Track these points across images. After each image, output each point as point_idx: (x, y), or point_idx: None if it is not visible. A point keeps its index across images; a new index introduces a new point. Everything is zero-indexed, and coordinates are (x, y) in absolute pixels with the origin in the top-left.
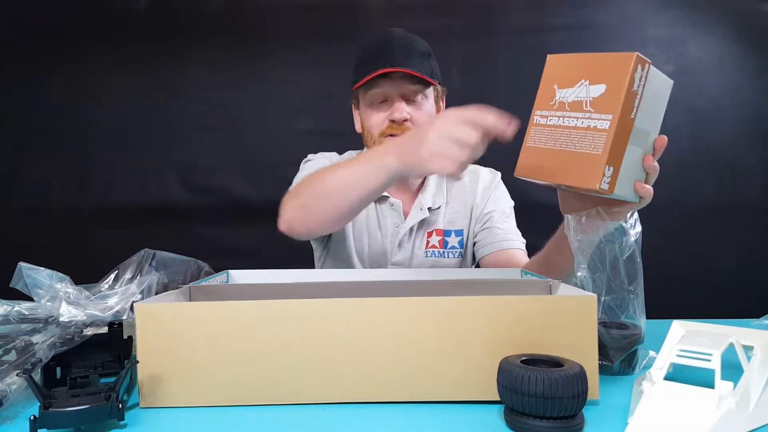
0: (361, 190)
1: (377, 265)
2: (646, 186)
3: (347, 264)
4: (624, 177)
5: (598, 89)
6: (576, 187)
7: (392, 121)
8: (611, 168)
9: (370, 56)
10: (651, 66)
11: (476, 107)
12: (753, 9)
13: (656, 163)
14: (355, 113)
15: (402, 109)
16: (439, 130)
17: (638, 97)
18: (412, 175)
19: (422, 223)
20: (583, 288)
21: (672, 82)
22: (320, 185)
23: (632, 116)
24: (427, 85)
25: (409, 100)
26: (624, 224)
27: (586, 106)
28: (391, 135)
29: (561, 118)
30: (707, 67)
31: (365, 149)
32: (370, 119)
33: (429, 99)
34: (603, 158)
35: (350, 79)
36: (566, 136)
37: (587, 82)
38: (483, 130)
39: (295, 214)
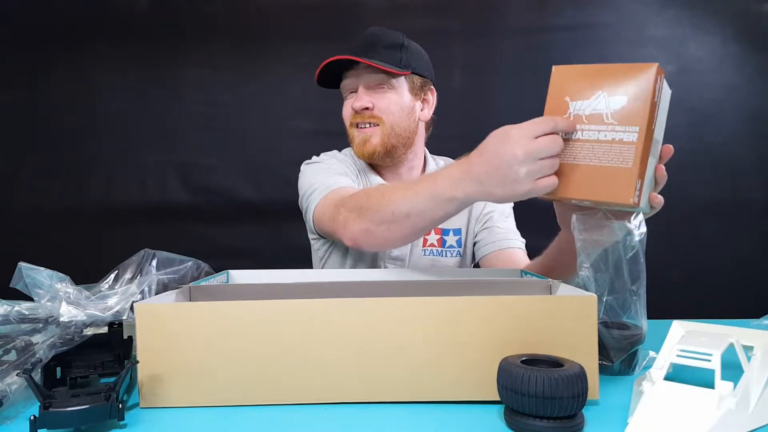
0: (433, 217)
1: (375, 258)
2: (659, 196)
3: (346, 259)
4: (645, 189)
5: (619, 101)
6: (605, 202)
7: (354, 110)
8: (640, 181)
9: (341, 51)
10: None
11: (538, 118)
12: (753, 9)
13: (665, 172)
14: None
15: (361, 98)
16: (525, 158)
17: (657, 107)
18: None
19: None
20: (585, 288)
21: (671, 91)
22: (387, 210)
23: (653, 127)
24: (392, 74)
25: (372, 89)
26: (628, 224)
27: (608, 119)
28: (357, 125)
29: (580, 132)
30: (707, 67)
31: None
32: (343, 110)
33: (398, 90)
34: (635, 172)
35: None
36: (588, 149)
37: (605, 93)
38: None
39: (363, 235)
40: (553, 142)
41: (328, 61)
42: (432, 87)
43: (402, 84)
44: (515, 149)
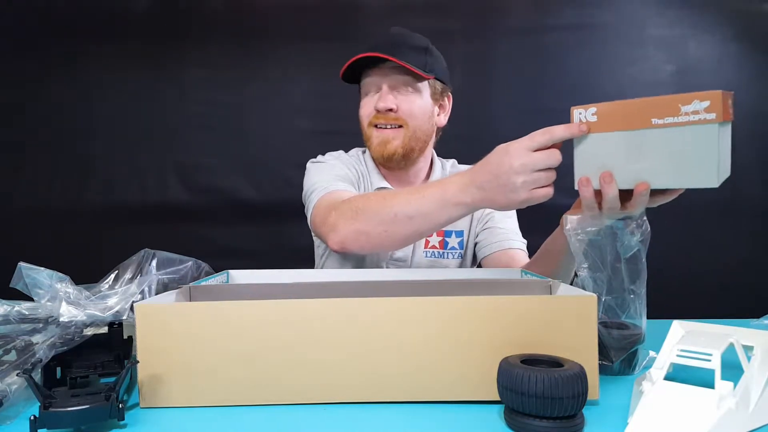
0: (435, 222)
1: (378, 259)
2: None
3: (347, 259)
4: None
5: None
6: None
7: (377, 110)
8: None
9: (363, 48)
10: None
11: (536, 132)
12: (753, 9)
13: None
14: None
15: (386, 99)
16: (521, 168)
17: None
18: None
19: None
20: (583, 288)
21: None
22: (389, 212)
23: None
24: (417, 77)
25: (396, 90)
26: (628, 224)
27: None
28: (376, 125)
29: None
30: (707, 67)
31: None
32: (362, 108)
33: (422, 93)
34: None
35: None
36: None
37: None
38: (556, 146)
39: (355, 237)
40: (549, 156)
41: (356, 57)
42: (450, 93)
43: (425, 88)
44: (512, 161)
